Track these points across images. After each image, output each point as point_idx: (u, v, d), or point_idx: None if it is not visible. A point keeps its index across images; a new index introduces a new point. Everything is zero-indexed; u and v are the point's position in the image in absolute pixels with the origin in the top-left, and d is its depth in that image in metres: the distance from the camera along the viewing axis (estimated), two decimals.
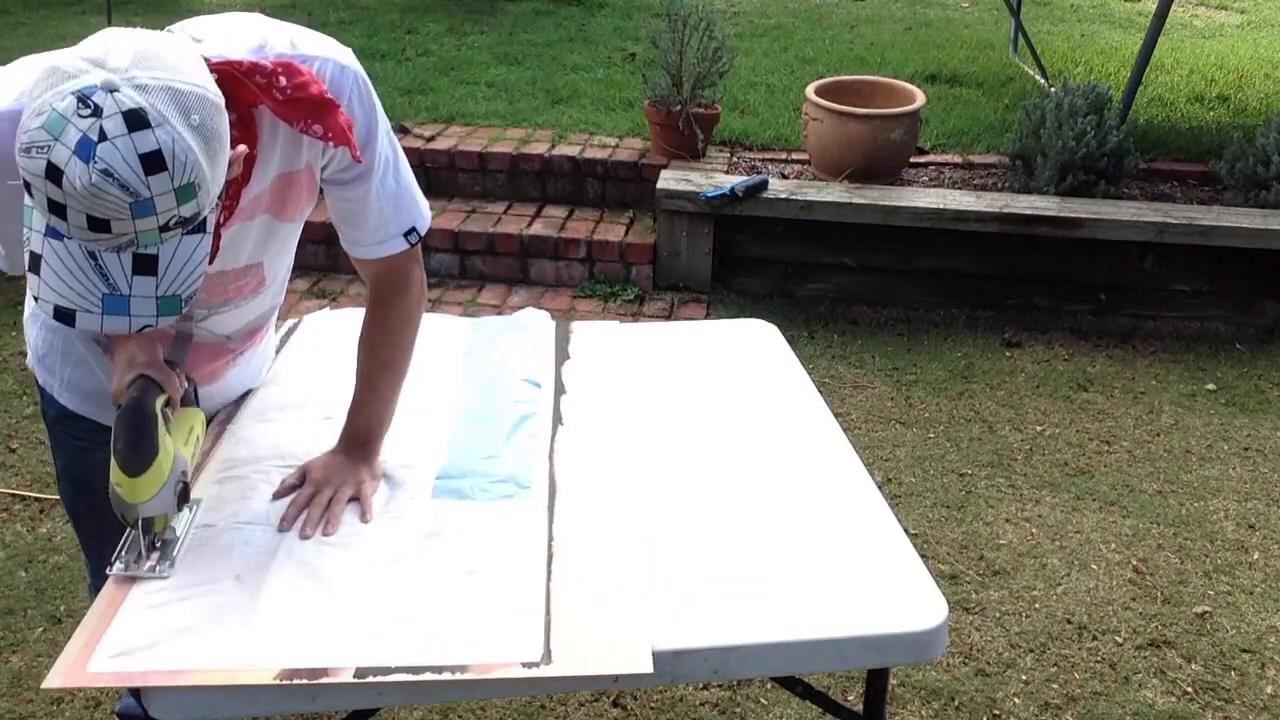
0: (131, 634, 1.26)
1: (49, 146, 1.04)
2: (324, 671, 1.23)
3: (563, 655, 1.27)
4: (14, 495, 2.91)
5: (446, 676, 1.23)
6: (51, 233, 1.09)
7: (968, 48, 6.08)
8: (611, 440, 1.73)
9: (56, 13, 6.75)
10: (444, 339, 2.01)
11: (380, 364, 1.60)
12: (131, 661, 1.22)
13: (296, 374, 1.86)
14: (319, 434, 1.64)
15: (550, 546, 1.46)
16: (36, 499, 2.91)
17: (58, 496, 2.88)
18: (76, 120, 1.04)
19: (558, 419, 1.77)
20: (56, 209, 1.06)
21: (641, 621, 1.33)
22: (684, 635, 1.31)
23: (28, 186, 1.07)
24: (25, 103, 1.07)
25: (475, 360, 1.93)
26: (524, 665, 1.25)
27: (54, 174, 1.04)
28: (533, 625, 1.31)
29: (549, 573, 1.41)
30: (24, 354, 3.67)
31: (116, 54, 1.07)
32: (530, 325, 2.06)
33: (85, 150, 1.04)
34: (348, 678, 1.23)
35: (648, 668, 1.26)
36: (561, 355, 1.98)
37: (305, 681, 1.22)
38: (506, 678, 1.24)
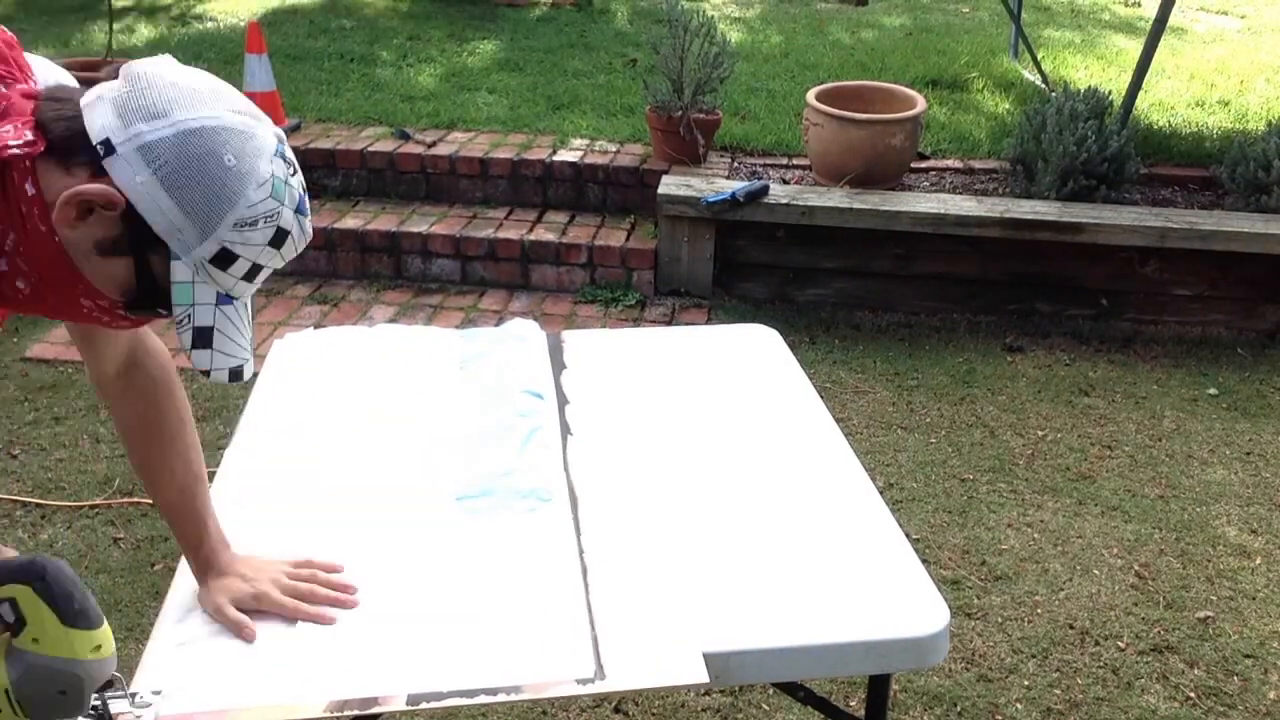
0: (165, 675, 1.23)
1: (278, 213, 1.03)
2: (374, 700, 1.21)
3: (615, 669, 1.26)
4: (15, 501, 2.91)
5: (502, 698, 1.22)
6: (223, 300, 1.06)
7: (968, 53, 6.08)
8: (622, 448, 1.73)
9: (59, 19, 6.76)
10: (436, 351, 2.00)
11: (197, 461, 1.41)
12: (169, 704, 1.20)
13: (275, 413, 1.80)
14: (315, 470, 1.63)
15: (582, 559, 1.45)
16: (38, 504, 2.91)
17: (60, 502, 2.90)
18: (291, 180, 1.05)
19: (566, 429, 1.77)
20: (252, 273, 1.05)
21: (689, 629, 1.32)
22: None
23: (222, 262, 1.02)
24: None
25: (472, 373, 1.92)
26: (578, 681, 1.24)
27: (279, 238, 1.04)
28: (580, 640, 1.30)
29: (586, 586, 1.40)
30: (24, 360, 3.68)
31: (237, 97, 1.04)
32: (521, 336, 2.05)
33: (302, 207, 1.06)
34: (401, 705, 1.20)
35: (704, 677, 1.26)
36: (558, 365, 1.97)
37: (357, 712, 1.20)
38: (562, 695, 1.23)
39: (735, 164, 4.57)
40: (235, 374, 1.09)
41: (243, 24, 6.26)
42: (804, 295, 4.24)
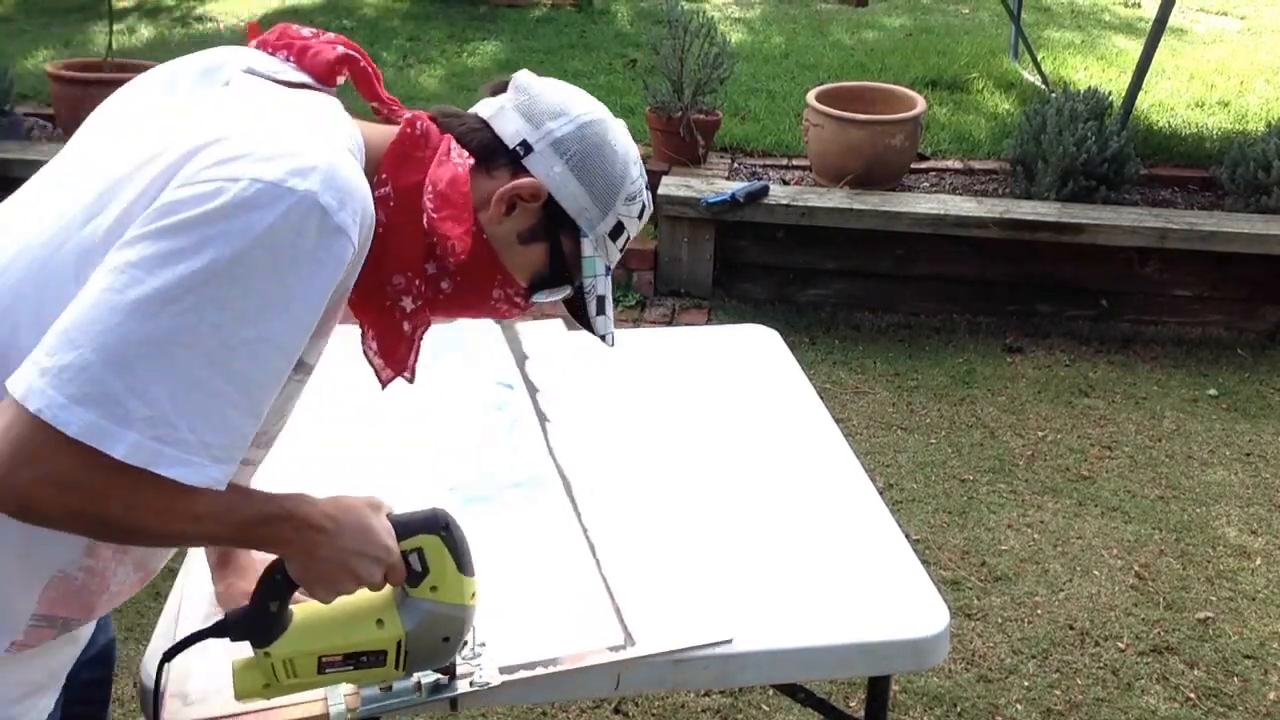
0: (198, 680, 1.22)
1: (644, 188, 1.17)
2: (419, 685, 1.22)
3: (643, 635, 1.30)
4: None
5: (540, 671, 1.25)
6: (605, 271, 1.18)
7: (968, 53, 6.08)
8: (599, 429, 1.76)
9: (59, 20, 6.76)
10: None
11: None
12: (207, 708, 1.19)
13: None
14: (333, 466, 1.62)
15: (588, 536, 1.49)
16: None
17: None
18: (640, 159, 1.18)
19: (543, 417, 1.79)
20: (626, 243, 1.18)
21: (706, 591, 1.38)
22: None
23: (615, 234, 1.16)
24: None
25: (439, 370, 1.91)
26: (609, 649, 1.28)
27: (643, 210, 1.18)
28: (604, 612, 1.35)
29: (597, 561, 1.44)
30: None
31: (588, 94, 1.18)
32: (475, 333, 2.04)
33: (646, 180, 1.18)
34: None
35: (729, 634, 1.30)
36: (520, 355, 1.99)
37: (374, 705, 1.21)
38: (599, 663, 1.27)
39: (735, 164, 4.57)
40: (613, 337, 1.21)
41: (243, 25, 6.26)
42: (804, 296, 4.24)
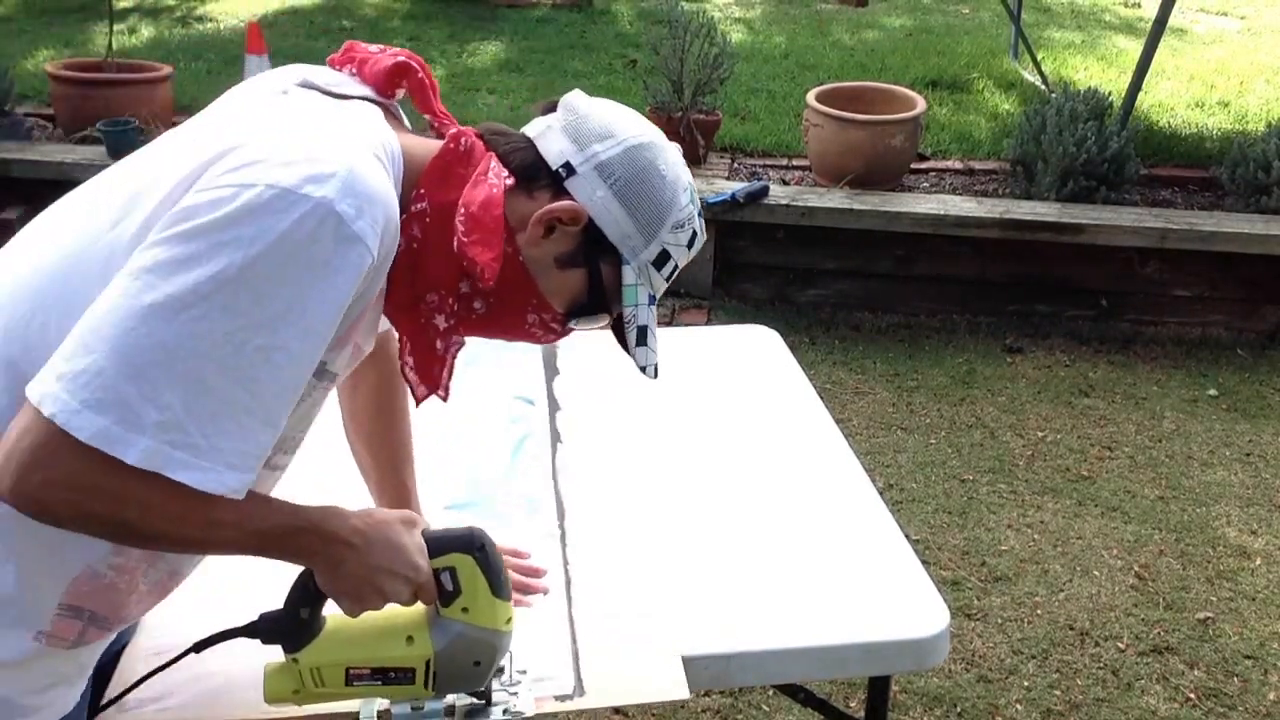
0: (141, 686, 1.20)
1: (693, 217, 1.13)
2: (354, 714, 1.18)
3: (595, 686, 1.25)
4: None
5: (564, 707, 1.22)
6: (650, 300, 1.14)
7: (969, 54, 6.09)
8: (615, 452, 1.72)
9: (60, 20, 6.76)
10: None
11: (410, 436, 1.50)
12: (145, 717, 1.17)
13: None
14: (298, 474, 1.58)
15: (566, 571, 1.44)
16: None
17: None
18: (693, 186, 1.15)
19: (556, 437, 1.76)
20: (673, 273, 1.14)
21: (670, 644, 1.31)
22: (684, 642, 1.31)
23: (659, 263, 1.11)
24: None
25: (465, 378, 1.90)
26: (556, 698, 1.23)
27: (693, 239, 1.14)
28: (560, 656, 1.29)
29: (569, 598, 1.39)
30: None
31: (641, 116, 1.15)
32: (509, 343, 2.03)
33: (700, 210, 1.15)
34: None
35: (684, 694, 1.25)
36: (551, 370, 1.96)
37: None
38: (539, 713, 1.22)
39: (735, 165, 4.58)
40: (656, 369, 1.17)
41: (243, 25, 6.26)
42: (804, 296, 4.24)
